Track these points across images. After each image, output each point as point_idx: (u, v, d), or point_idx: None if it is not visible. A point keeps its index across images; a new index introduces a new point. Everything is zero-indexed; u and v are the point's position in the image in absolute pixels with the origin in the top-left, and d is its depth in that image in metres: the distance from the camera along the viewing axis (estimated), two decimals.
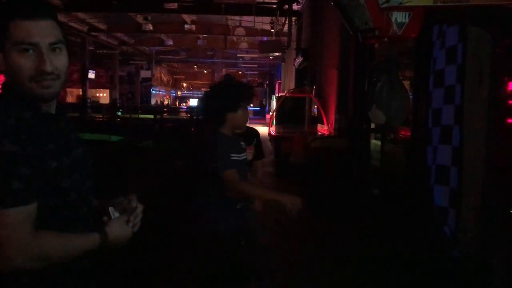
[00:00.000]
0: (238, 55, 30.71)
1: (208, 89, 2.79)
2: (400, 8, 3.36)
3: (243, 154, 2.63)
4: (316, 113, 11.56)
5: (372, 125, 7.01)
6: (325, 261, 4.48)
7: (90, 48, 24.91)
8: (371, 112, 4.06)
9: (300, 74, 15.60)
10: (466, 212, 3.66)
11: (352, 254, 4.65)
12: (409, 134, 5.49)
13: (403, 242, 4.70)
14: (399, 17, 3.42)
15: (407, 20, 3.42)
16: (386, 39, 3.75)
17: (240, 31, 21.02)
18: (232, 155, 2.50)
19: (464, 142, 3.62)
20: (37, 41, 1.27)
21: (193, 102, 38.95)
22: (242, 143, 2.69)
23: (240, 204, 2.57)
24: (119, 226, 1.40)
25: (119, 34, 26.17)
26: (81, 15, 20.64)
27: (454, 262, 3.75)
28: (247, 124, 3.51)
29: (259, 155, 3.50)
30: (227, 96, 2.59)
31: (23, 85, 1.27)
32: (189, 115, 20.76)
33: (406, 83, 6.76)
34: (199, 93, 45.28)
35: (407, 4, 3.36)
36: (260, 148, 3.51)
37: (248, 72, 43.36)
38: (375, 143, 7.13)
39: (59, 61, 1.33)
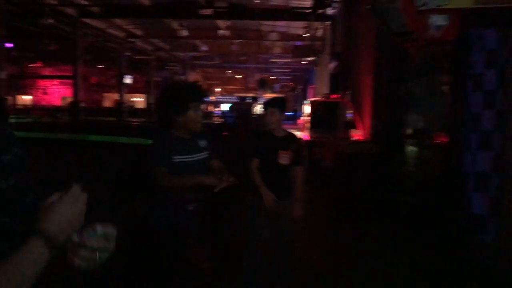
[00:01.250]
0: (271, 60, 30.78)
1: (159, 93, 2.82)
2: (438, 10, 3.29)
3: (197, 155, 2.62)
4: (350, 119, 11.43)
5: (408, 131, 6.88)
6: (356, 268, 4.41)
7: (127, 54, 25.52)
8: (408, 116, 3.98)
9: (334, 79, 15.48)
10: (506, 221, 3.54)
11: (385, 261, 4.57)
12: (446, 139, 5.36)
13: (439, 251, 4.58)
14: (437, 20, 3.35)
15: (445, 23, 3.34)
16: (423, 43, 3.67)
17: (274, 36, 21.10)
18: (175, 157, 2.51)
19: (505, 148, 3.50)
20: None
21: (225, 107, 39.28)
22: (201, 142, 2.68)
23: (193, 206, 2.60)
24: (61, 207, 1.00)
25: (155, 40, 26.73)
26: (118, 21, 21.20)
27: (492, 272, 3.63)
28: (288, 130, 3.57)
29: (299, 161, 3.50)
30: (175, 99, 2.60)
31: None
32: (222, 119, 20.95)
33: (444, 88, 6.61)
34: (233, 98, 45.60)
35: (445, 7, 3.28)
36: (299, 154, 3.50)
37: (281, 77, 43.39)
38: (410, 149, 6.99)
39: None
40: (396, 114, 7.04)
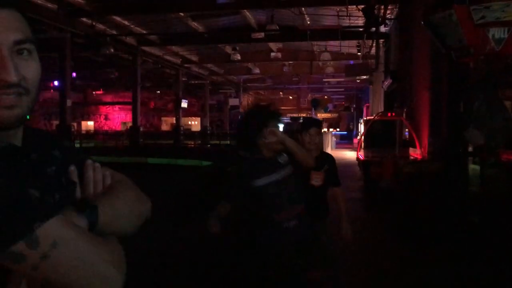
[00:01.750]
0: (324, 80, 30.70)
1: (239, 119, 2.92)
2: (497, 24, 3.18)
3: (274, 174, 2.63)
4: (407, 137, 11.14)
5: (470, 148, 6.61)
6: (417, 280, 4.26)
7: (183, 79, 26.40)
8: (468, 132, 3.84)
9: (389, 97, 15.20)
10: None
11: (449, 286, 4.37)
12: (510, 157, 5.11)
13: (507, 274, 4.33)
14: (496, 33, 3.23)
15: (506, 36, 3.22)
16: (482, 57, 3.55)
17: (326, 56, 21.09)
18: (256, 180, 2.58)
19: None
20: None
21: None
22: (280, 160, 2.67)
23: (290, 223, 2.60)
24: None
25: (209, 65, 27.51)
26: (175, 48, 22.06)
27: None
28: (323, 149, 3.53)
29: (334, 182, 3.47)
30: (252, 122, 2.66)
31: None
32: None
33: (507, 103, 6.34)
34: (285, 118, 45.73)
35: (505, 19, 3.17)
36: (333, 175, 3.47)
37: (334, 96, 43.09)
38: (473, 167, 6.71)
39: (29, 68, 0.86)
40: (456, 131, 6.80)
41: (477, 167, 6.37)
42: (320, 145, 3.50)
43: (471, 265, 4.85)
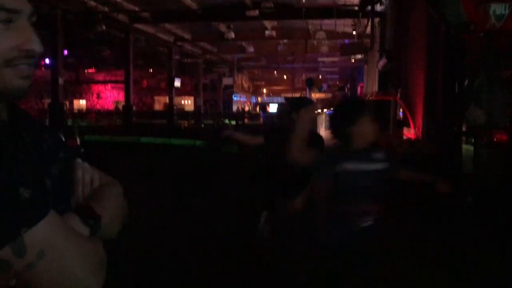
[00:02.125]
0: (319, 59, 30.49)
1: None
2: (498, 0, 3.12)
3: (369, 165, 2.59)
4: (401, 117, 11.12)
5: (463, 128, 6.60)
6: (409, 268, 4.27)
7: (176, 57, 26.10)
8: (469, 112, 3.79)
9: (384, 77, 15.11)
10: None
11: (440, 263, 4.39)
12: (506, 137, 5.09)
13: (498, 253, 4.36)
14: (497, 9, 3.16)
15: (507, 12, 3.15)
16: (482, 34, 3.48)
17: (321, 34, 20.88)
18: (344, 164, 2.52)
19: None
20: (21, 8, 0.81)
21: (271, 108, 38.91)
22: (373, 154, 2.65)
23: (368, 222, 2.50)
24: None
25: (202, 43, 27.17)
26: (168, 26, 21.72)
27: None
28: (316, 132, 3.52)
29: None
30: (344, 113, 2.73)
31: None
32: (269, 120, 21.01)
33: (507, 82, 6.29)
34: (279, 99, 45.57)
35: None
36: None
37: (328, 76, 42.90)
38: (466, 148, 6.70)
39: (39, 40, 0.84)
40: (451, 111, 6.77)
41: (471, 148, 6.36)
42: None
43: (464, 246, 4.88)
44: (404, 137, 9.96)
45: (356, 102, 2.88)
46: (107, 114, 28.61)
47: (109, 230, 0.93)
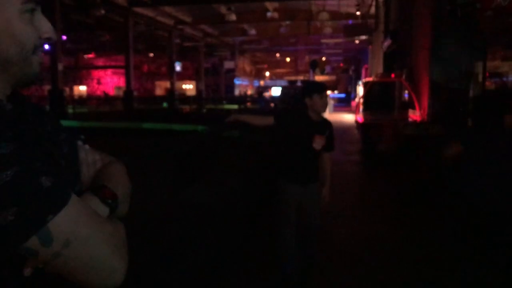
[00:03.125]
0: (322, 41, 30.11)
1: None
2: None
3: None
4: (407, 99, 10.93)
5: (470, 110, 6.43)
6: (415, 251, 4.16)
7: (176, 41, 25.81)
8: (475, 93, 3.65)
9: (389, 58, 14.87)
10: None
11: (447, 246, 4.29)
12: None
13: (504, 235, 4.25)
14: None
15: None
16: (489, 12, 3.31)
17: (324, 15, 20.53)
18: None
19: None
20: None
21: (275, 92, 38.68)
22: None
23: None
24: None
25: (203, 26, 26.85)
26: (167, 9, 21.42)
27: None
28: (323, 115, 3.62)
29: (329, 147, 3.58)
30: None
31: (20, 62, 0.84)
32: (272, 104, 20.82)
33: (508, 64, 6.11)
34: (282, 82, 45.24)
35: None
36: (331, 141, 3.57)
37: (332, 58, 42.47)
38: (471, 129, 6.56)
39: None
40: (457, 91, 6.60)
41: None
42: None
43: (468, 226, 4.76)
44: (410, 119, 9.80)
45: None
46: (108, 99, 28.40)
47: (122, 208, 0.95)
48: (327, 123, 3.56)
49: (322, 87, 3.47)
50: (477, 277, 3.65)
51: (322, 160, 3.60)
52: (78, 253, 0.74)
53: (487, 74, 6.17)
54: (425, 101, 9.06)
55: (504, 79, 6.55)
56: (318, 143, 3.39)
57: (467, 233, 4.73)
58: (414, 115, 9.62)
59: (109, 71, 35.72)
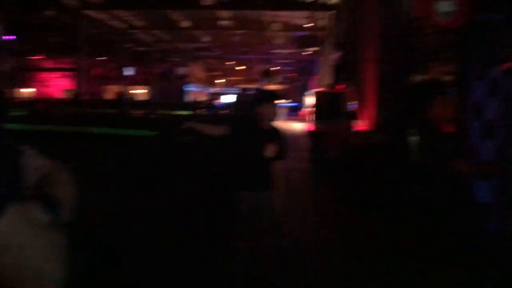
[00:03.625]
0: (274, 51, 30.62)
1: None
2: None
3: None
4: (354, 109, 11.39)
5: (414, 120, 6.83)
6: (360, 255, 4.41)
7: (128, 45, 25.42)
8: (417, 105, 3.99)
9: (338, 69, 15.40)
10: (511, 208, 3.52)
11: (389, 249, 4.56)
12: (451, 129, 5.31)
13: (445, 239, 4.56)
14: (444, 6, 3.30)
15: (452, 9, 3.29)
16: (430, 30, 3.62)
17: (276, 26, 20.96)
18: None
19: (510, 137, 3.47)
20: None
21: (227, 99, 38.84)
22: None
23: None
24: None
25: (156, 32, 26.61)
26: (120, 13, 21.10)
27: (497, 259, 3.62)
28: (273, 124, 3.61)
29: (281, 155, 3.57)
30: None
31: None
32: (225, 111, 20.92)
33: (449, 78, 6.54)
34: (235, 90, 45.39)
35: None
36: (283, 147, 3.57)
37: (284, 68, 43.16)
38: (415, 139, 6.94)
39: None
40: (403, 103, 7.00)
41: (420, 139, 6.59)
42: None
43: (410, 230, 5.07)
44: (357, 129, 10.22)
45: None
46: (56, 102, 27.43)
47: (65, 215, 0.93)
48: (278, 131, 3.59)
49: (271, 96, 3.52)
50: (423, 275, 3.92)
51: (274, 168, 3.59)
52: (13, 261, 0.74)
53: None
54: (371, 112, 9.51)
55: (449, 92, 7.01)
56: (269, 151, 3.41)
57: (412, 234, 5.03)
58: (361, 125, 10.05)
59: (58, 74, 34.51)
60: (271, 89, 35.64)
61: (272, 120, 3.50)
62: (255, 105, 3.49)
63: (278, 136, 3.54)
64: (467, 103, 3.82)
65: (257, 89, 23.58)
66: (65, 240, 0.87)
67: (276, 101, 3.51)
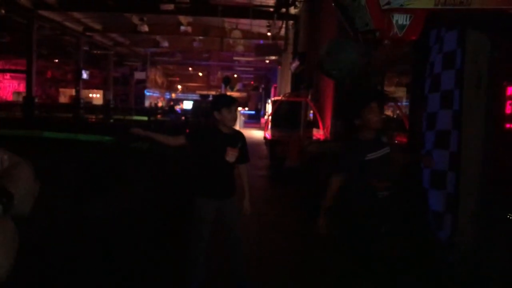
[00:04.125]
0: (234, 58, 30.69)
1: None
2: (401, 10, 3.34)
3: (379, 151, 3.07)
4: (312, 118, 11.54)
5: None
6: (318, 261, 4.44)
7: (84, 48, 24.78)
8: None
9: (297, 78, 15.60)
10: (463, 217, 3.63)
11: (344, 257, 4.61)
12: (404, 139, 5.47)
13: (398, 247, 4.67)
14: (400, 19, 3.40)
15: (408, 23, 3.39)
16: (387, 41, 3.71)
17: (237, 33, 21.02)
18: (367, 155, 3.05)
19: (462, 147, 3.59)
20: None
21: (188, 105, 38.71)
22: (382, 139, 3.13)
23: (383, 193, 3.03)
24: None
25: (114, 35, 26.09)
26: (76, 14, 20.53)
27: (449, 267, 3.72)
28: (234, 128, 3.60)
29: (244, 159, 3.56)
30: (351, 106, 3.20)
31: None
32: (183, 117, 20.69)
33: (403, 89, 6.76)
34: (194, 95, 45.17)
35: (408, 6, 3.33)
36: (244, 152, 3.56)
37: (243, 75, 43.35)
38: None
39: None
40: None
41: None
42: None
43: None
44: (314, 137, 10.35)
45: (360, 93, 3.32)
46: (5, 105, 26.28)
47: (21, 207, 0.99)
48: (239, 135, 3.56)
49: (230, 101, 3.48)
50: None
51: (239, 172, 3.58)
52: None
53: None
54: (328, 121, 9.67)
55: (399, 103, 7.20)
56: (231, 155, 3.38)
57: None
58: (318, 133, 10.19)
59: (7, 75, 33.12)
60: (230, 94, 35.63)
61: (231, 125, 3.47)
62: (213, 110, 3.44)
63: (239, 139, 3.50)
64: (421, 114, 3.92)
65: (214, 95, 23.55)
66: (14, 232, 0.91)
67: (234, 106, 3.46)
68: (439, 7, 3.35)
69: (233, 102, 3.47)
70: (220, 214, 3.47)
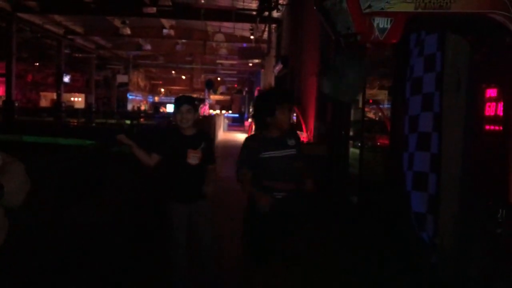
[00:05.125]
0: (217, 61, 30.66)
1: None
2: (381, 13, 3.37)
3: (281, 151, 3.00)
4: (295, 121, 11.58)
5: (351, 133, 7.04)
6: (300, 268, 4.43)
7: (66, 51, 24.48)
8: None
9: (280, 81, 15.64)
10: (444, 218, 3.67)
11: (327, 261, 4.62)
12: (387, 141, 5.52)
13: (381, 249, 4.70)
14: (381, 22, 3.42)
15: (388, 26, 3.42)
16: (368, 45, 3.74)
17: (220, 37, 21.02)
18: (264, 153, 2.96)
19: (443, 148, 3.63)
20: None
21: (171, 108, 38.53)
22: (288, 141, 3.06)
23: (280, 195, 2.99)
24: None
25: (96, 38, 25.84)
26: (57, 17, 20.30)
27: (431, 268, 3.75)
28: (199, 128, 3.53)
29: (209, 159, 3.44)
30: (264, 103, 3.08)
31: None
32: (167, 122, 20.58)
33: (384, 92, 6.83)
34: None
35: (388, 10, 3.36)
36: (210, 153, 3.46)
37: (227, 79, 43.32)
38: (353, 150, 7.16)
39: None
40: (340, 116, 7.19)
41: (357, 151, 6.80)
42: (193, 122, 3.37)
43: (348, 242, 5.18)
44: None
45: (274, 93, 3.22)
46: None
47: (12, 199, 1.09)
48: (202, 135, 3.46)
49: (178, 101, 3.36)
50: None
51: (208, 173, 3.41)
52: None
53: (370, 101, 6.80)
54: (311, 124, 9.70)
55: (381, 106, 7.27)
56: (193, 157, 3.26)
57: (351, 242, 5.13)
58: (302, 136, 10.23)
59: None
60: (215, 99, 35.62)
61: (182, 125, 3.31)
62: (174, 113, 3.37)
63: (203, 140, 3.39)
64: (403, 117, 3.96)
65: (200, 99, 23.49)
66: (4, 215, 1.03)
67: (191, 105, 3.34)
68: (419, 10, 3.38)
69: (181, 102, 3.33)
70: (191, 218, 3.37)
